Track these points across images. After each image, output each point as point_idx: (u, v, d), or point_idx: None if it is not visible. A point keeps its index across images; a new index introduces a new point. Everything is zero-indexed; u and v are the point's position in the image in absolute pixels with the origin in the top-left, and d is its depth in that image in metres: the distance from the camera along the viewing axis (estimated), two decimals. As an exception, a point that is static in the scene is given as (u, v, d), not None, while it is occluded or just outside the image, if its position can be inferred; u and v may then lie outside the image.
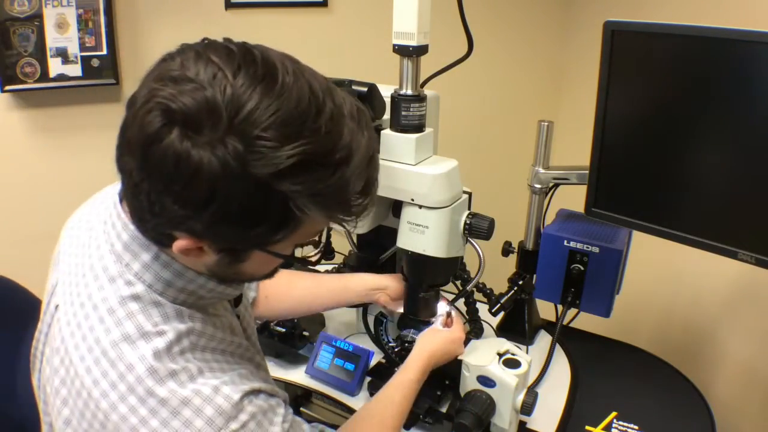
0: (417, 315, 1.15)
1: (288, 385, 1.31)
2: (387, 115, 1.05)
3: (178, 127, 0.54)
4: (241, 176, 0.54)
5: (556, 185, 1.31)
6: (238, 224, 0.58)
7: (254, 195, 0.56)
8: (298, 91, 0.57)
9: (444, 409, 1.10)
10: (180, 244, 0.62)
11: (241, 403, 0.65)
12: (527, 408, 1.02)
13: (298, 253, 1.34)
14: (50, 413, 0.71)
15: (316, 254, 1.34)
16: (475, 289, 1.19)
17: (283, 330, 1.27)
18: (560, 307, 1.31)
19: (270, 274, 0.75)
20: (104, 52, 1.70)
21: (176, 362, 0.64)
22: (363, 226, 1.11)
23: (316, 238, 1.37)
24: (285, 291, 1.13)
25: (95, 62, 1.69)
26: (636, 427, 1.11)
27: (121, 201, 0.69)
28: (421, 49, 0.98)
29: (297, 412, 1.58)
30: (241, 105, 0.54)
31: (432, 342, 1.04)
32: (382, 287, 1.13)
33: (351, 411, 1.16)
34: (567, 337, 1.36)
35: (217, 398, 0.64)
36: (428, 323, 1.15)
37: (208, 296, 0.72)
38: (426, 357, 1.01)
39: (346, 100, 0.63)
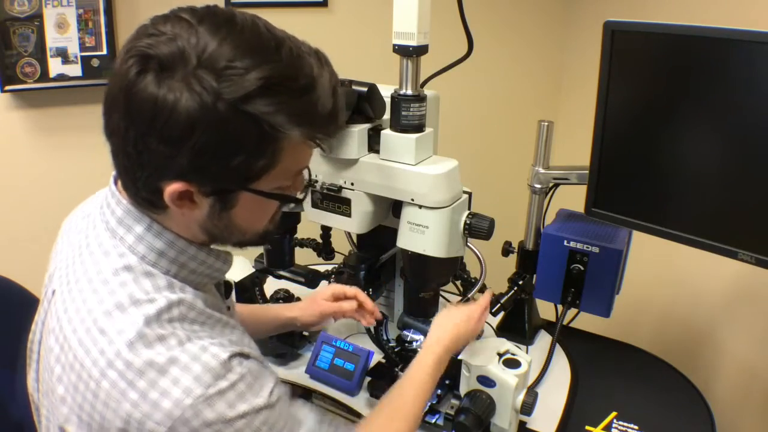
0: (417, 315, 1.15)
1: (288, 385, 1.31)
2: (387, 115, 1.05)
3: (153, 71, 0.60)
4: (215, 103, 0.59)
5: (556, 185, 1.31)
6: (219, 153, 0.62)
7: (229, 119, 0.60)
8: (257, 30, 0.64)
9: (444, 409, 1.10)
10: (171, 189, 0.63)
11: (230, 363, 0.66)
12: (527, 408, 1.02)
13: (299, 259, 1.35)
14: (45, 404, 0.72)
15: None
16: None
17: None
18: (560, 307, 1.31)
19: (265, 234, 0.76)
20: (104, 52, 1.70)
21: (165, 328, 0.65)
22: (363, 225, 1.11)
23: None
24: None
25: (95, 62, 1.69)
26: (636, 427, 1.11)
27: (115, 182, 0.72)
28: (421, 49, 0.98)
29: (297, 412, 1.58)
30: (206, 45, 0.60)
31: (446, 328, 1.00)
32: (293, 318, 1.16)
33: (351, 411, 1.16)
34: (567, 337, 1.36)
35: (205, 356, 0.65)
36: (429, 323, 1.15)
37: (199, 270, 0.73)
38: (442, 346, 0.97)
39: (306, 43, 0.68)
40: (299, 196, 0.76)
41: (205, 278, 0.76)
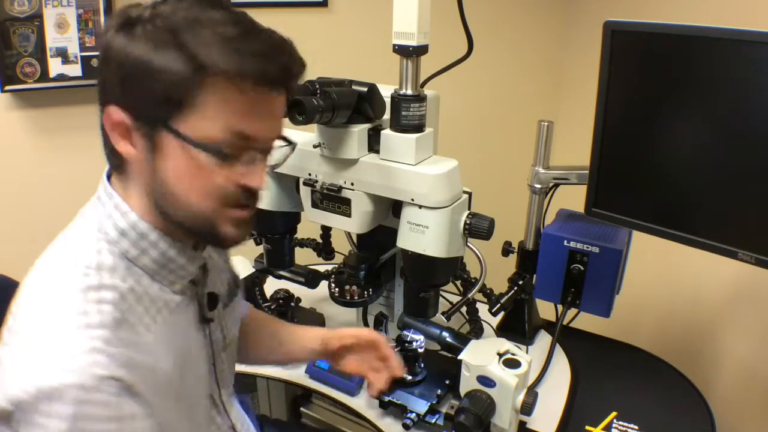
0: (417, 315, 1.15)
1: (288, 385, 1.31)
2: (387, 115, 1.05)
3: (123, 20, 0.67)
4: (147, 30, 0.65)
5: (556, 185, 1.31)
6: (145, 77, 0.65)
7: (158, 44, 0.64)
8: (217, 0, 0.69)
9: (444, 409, 1.10)
10: (108, 112, 0.69)
11: (103, 383, 0.61)
12: (527, 408, 1.02)
13: (299, 259, 1.35)
14: None
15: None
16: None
17: (283, 330, 1.27)
18: (560, 307, 1.31)
19: (210, 217, 0.70)
20: (104, 52, 1.70)
21: (81, 305, 0.65)
22: (363, 225, 1.11)
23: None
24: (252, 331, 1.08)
25: (95, 62, 1.69)
26: (636, 427, 1.11)
27: (108, 178, 0.75)
28: (421, 49, 0.98)
29: (297, 413, 1.59)
30: (164, 4, 0.67)
31: None
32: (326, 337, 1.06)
33: (351, 411, 1.17)
34: (567, 337, 1.36)
35: (86, 357, 0.61)
36: (429, 323, 1.15)
37: (161, 261, 0.73)
38: None
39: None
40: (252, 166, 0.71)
41: (171, 275, 0.74)
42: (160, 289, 0.73)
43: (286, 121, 0.94)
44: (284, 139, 0.76)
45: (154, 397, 0.68)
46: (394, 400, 1.10)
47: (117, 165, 0.73)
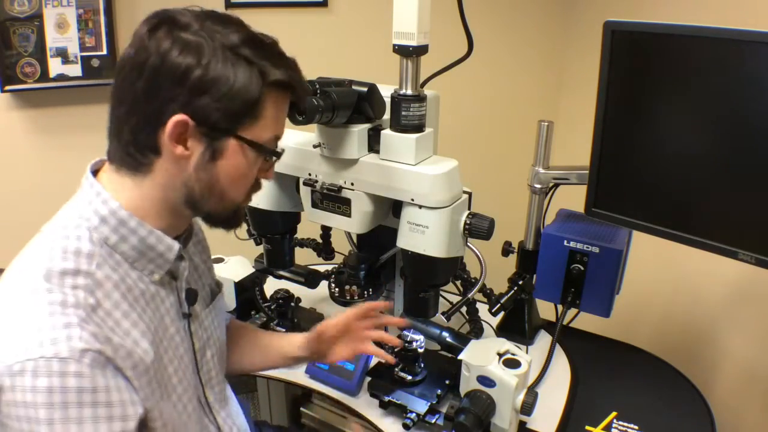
0: (417, 315, 1.15)
1: (288, 385, 1.31)
2: (387, 115, 1.05)
3: (166, 25, 0.70)
4: (217, 44, 0.70)
5: (556, 185, 1.31)
6: (218, 87, 0.69)
7: (227, 58, 0.69)
8: (222, 14, 0.75)
9: (444, 409, 1.10)
10: (174, 120, 0.69)
11: (82, 357, 0.63)
12: (527, 408, 1.02)
13: (299, 259, 1.35)
14: None
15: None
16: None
17: (283, 330, 1.27)
18: (560, 307, 1.31)
19: (238, 210, 0.81)
20: (104, 52, 1.70)
21: (62, 286, 0.67)
22: (363, 225, 1.11)
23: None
24: (243, 334, 1.10)
25: (95, 62, 1.69)
26: (636, 427, 1.11)
27: (93, 172, 0.77)
28: (421, 49, 0.98)
29: (297, 412, 1.59)
30: (205, 19, 0.72)
31: None
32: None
33: (351, 411, 1.17)
34: (567, 337, 1.36)
35: (58, 332, 0.63)
36: (429, 323, 1.15)
37: (140, 248, 0.75)
38: None
39: None
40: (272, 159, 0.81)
41: (150, 263, 0.76)
42: (138, 278, 0.75)
43: (287, 121, 0.95)
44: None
45: (134, 377, 0.69)
46: (394, 400, 1.10)
47: (135, 162, 0.73)
